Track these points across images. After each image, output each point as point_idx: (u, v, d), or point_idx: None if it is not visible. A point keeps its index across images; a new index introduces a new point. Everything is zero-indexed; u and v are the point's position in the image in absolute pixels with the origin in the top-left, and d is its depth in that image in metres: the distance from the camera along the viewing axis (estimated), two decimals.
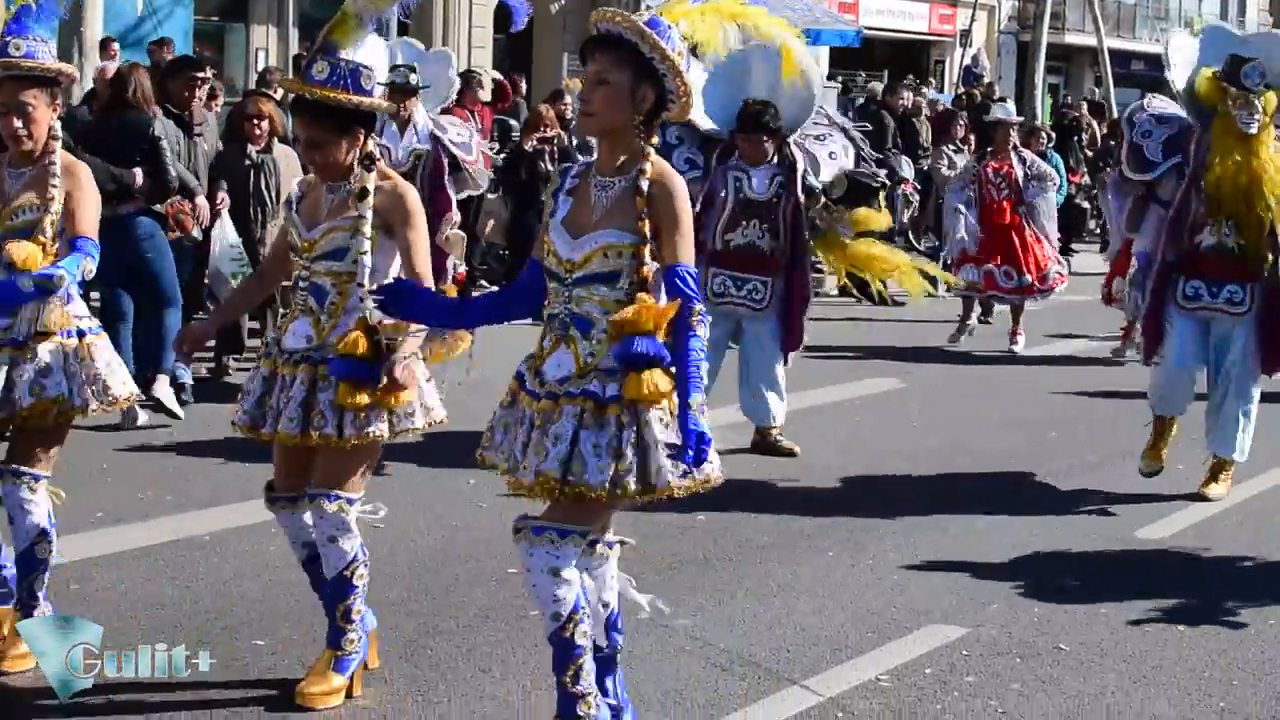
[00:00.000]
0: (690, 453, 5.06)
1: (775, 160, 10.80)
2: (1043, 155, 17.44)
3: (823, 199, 10.87)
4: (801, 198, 10.74)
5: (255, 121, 12.47)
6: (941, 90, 36.64)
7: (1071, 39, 51.54)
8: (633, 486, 5.15)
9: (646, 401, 5.13)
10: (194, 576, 7.77)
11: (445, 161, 12.00)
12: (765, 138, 10.70)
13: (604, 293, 5.26)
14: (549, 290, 5.41)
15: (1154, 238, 10.06)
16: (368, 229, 6.07)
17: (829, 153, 10.96)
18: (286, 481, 6.30)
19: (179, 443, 10.53)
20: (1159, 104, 10.14)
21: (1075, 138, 26.13)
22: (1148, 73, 12.34)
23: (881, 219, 11.12)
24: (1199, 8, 59.41)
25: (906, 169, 20.81)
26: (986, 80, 32.88)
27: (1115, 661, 7.04)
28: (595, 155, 5.42)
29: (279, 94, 14.15)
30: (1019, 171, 15.94)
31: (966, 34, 40.48)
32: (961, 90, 30.35)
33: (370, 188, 6.09)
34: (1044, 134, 19.92)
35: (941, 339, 16.43)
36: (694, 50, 5.42)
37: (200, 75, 12.80)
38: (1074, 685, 6.75)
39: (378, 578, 6.70)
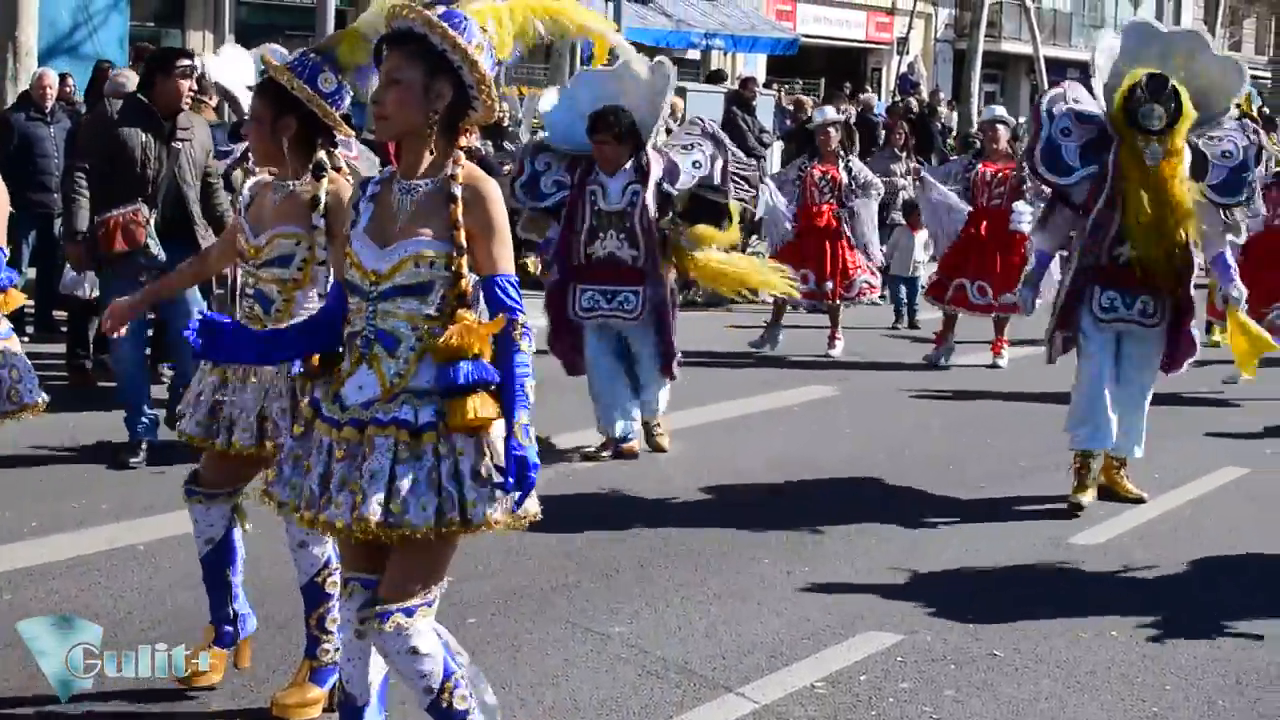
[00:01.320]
0: (511, 480, 4.71)
1: (630, 167, 10.68)
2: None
3: (669, 212, 10.78)
4: (652, 206, 10.65)
5: None
6: (879, 98, 36.75)
7: (1008, 47, 51.88)
8: (456, 521, 4.77)
9: (470, 429, 4.81)
10: (128, 586, 7.72)
11: None
12: (613, 140, 10.57)
13: (413, 306, 4.87)
14: (350, 306, 5.01)
15: (1055, 239, 10.14)
16: (322, 239, 6.01)
17: (693, 161, 10.86)
18: (215, 478, 6.26)
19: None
20: (1081, 97, 9.94)
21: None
22: (1084, 80, 12.47)
23: (725, 236, 10.83)
24: (1135, 15, 59.74)
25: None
26: (923, 88, 33.00)
27: (1050, 668, 7.07)
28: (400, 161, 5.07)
29: (214, 100, 14.07)
30: (844, 178, 15.86)
31: (903, 42, 40.75)
32: (898, 98, 30.48)
33: (321, 196, 6.01)
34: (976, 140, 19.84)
35: (874, 346, 16.49)
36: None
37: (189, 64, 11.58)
38: (1008, 691, 6.78)
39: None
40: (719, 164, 10.93)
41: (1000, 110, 16.80)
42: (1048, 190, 10.28)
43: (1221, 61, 9.92)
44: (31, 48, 19.81)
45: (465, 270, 4.87)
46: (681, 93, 22.14)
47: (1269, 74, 47.96)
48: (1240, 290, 9.78)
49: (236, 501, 6.31)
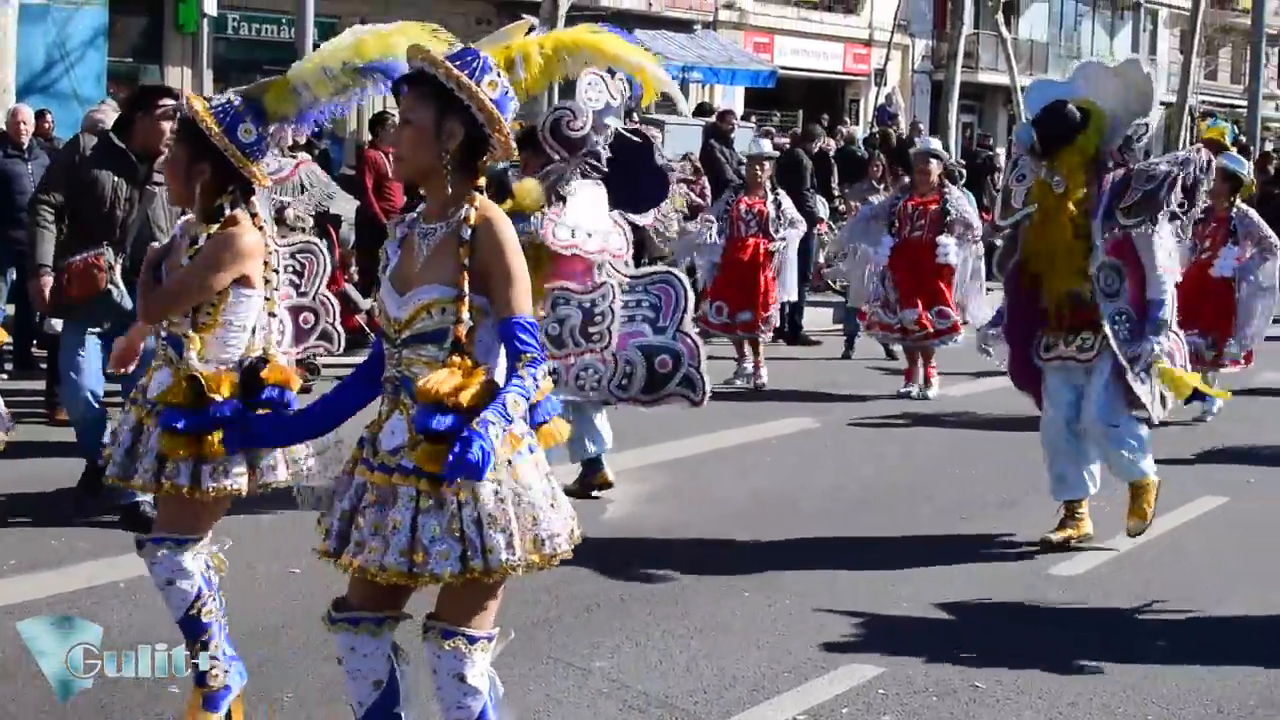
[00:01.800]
0: (453, 456, 4.59)
1: None
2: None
3: None
4: None
5: None
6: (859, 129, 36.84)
7: (985, 77, 52.07)
8: (478, 567, 4.83)
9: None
10: (109, 624, 7.66)
11: None
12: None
13: (432, 353, 4.90)
14: (385, 352, 5.08)
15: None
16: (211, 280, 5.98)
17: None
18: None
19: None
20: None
21: (989, 176, 26.25)
22: None
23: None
24: (1110, 46, 60.08)
25: (822, 209, 20.89)
26: (901, 119, 33.08)
27: (1032, 699, 7.07)
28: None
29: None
30: (771, 211, 15.87)
31: (881, 73, 40.84)
32: (876, 129, 30.56)
33: (200, 239, 5.99)
34: (958, 172, 19.78)
35: (855, 378, 16.52)
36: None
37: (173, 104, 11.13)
38: None
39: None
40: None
41: (935, 144, 16.70)
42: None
43: (1146, 76, 9.55)
44: (9, 84, 19.86)
45: (464, 315, 4.85)
46: (660, 125, 22.21)
47: (1245, 103, 48.09)
48: (1159, 346, 9.39)
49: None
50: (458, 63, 4.89)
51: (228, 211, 6.07)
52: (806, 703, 6.93)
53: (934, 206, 15.30)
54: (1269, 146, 38.59)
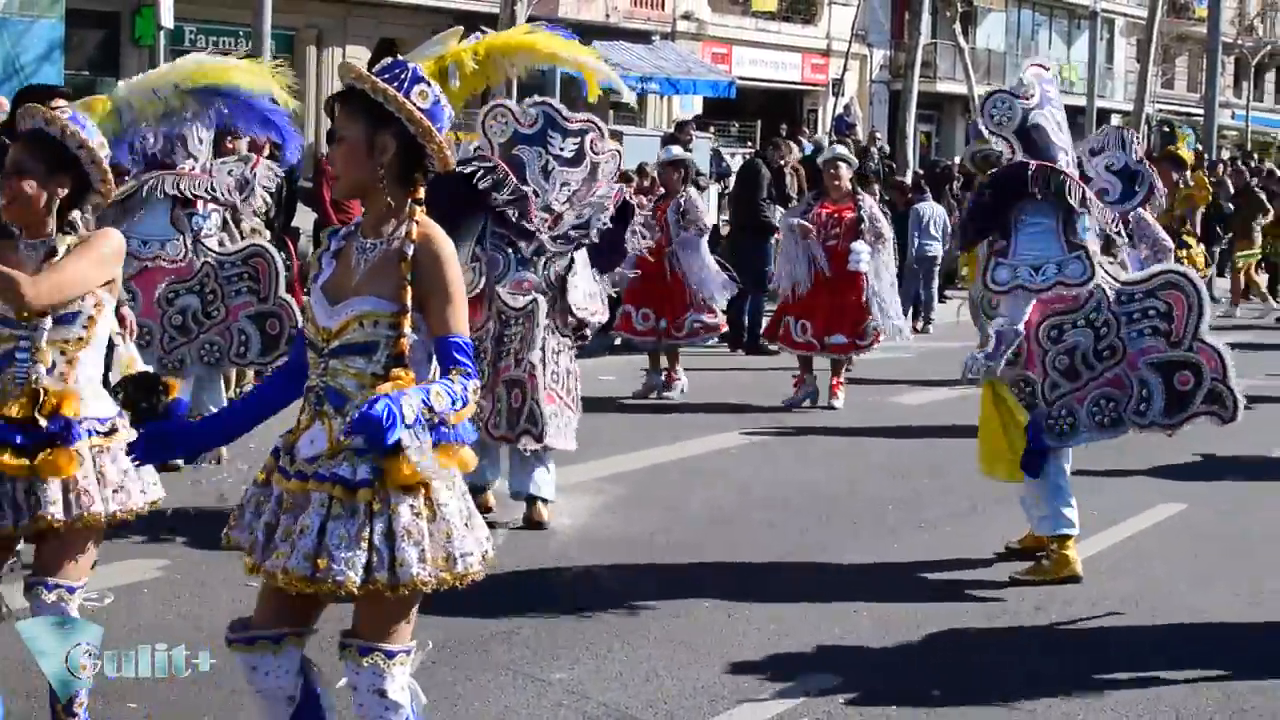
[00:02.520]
0: (352, 427, 4.59)
1: None
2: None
3: None
4: None
5: None
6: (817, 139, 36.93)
7: (943, 87, 52.27)
8: (383, 580, 4.76)
9: (410, 485, 4.78)
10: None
11: None
12: None
13: (360, 365, 4.86)
14: (309, 361, 5.01)
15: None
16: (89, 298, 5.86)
17: None
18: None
19: None
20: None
21: (947, 186, 26.27)
22: None
23: None
24: (1068, 55, 60.38)
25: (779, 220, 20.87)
26: (859, 129, 33.17)
27: (991, 708, 7.09)
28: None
29: None
30: (671, 216, 15.54)
31: (839, 83, 40.89)
32: (834, 139, 30.61)
33: (61, 249, 5.80)
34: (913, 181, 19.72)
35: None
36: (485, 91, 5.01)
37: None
38: None
39: None
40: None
41: (841, 150, 16.40)
42: None
43: None
44: None
45: (407, 330, 4.82)
46: (618, 136, 22.22)
47: (1201, 111, 48.37)
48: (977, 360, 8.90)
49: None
50: (385, 75, 4.87)
51: (79, 228, 5.93)
52: (767, 713, 6.94)
53: (849, 214, 15.11)
54: (1225, 154, 38.75)
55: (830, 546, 9.95)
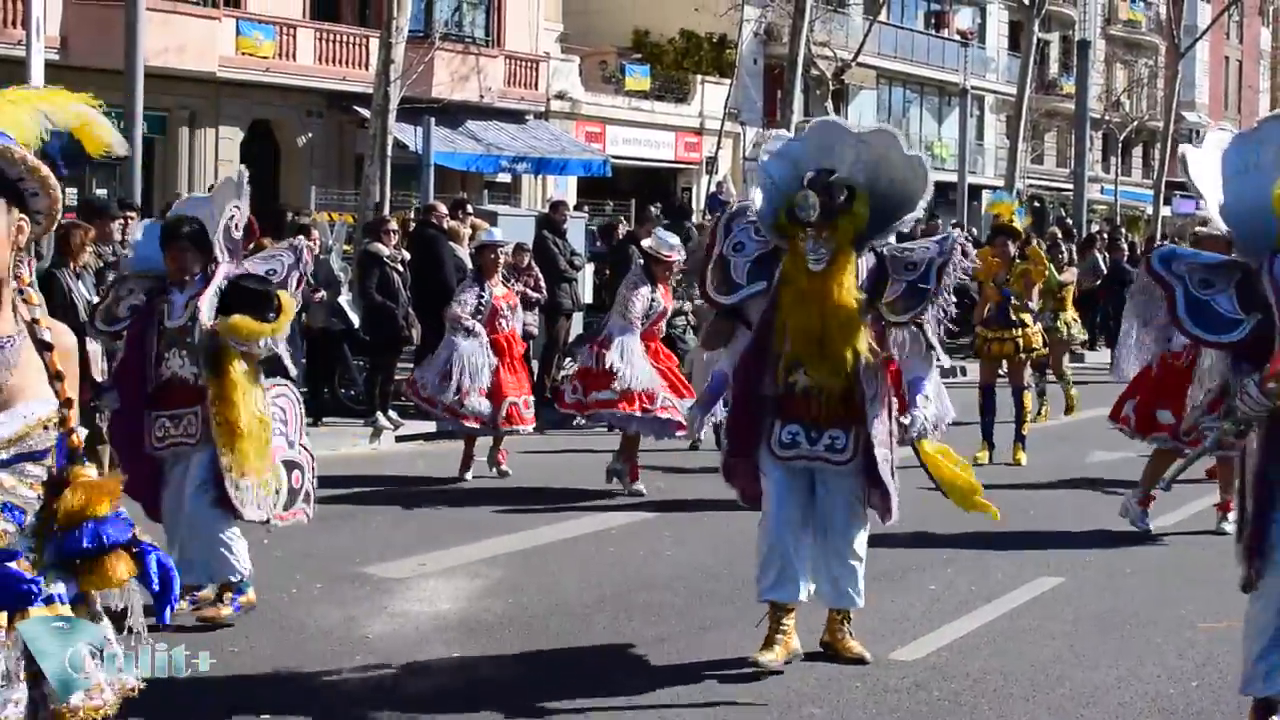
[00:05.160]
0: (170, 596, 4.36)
1: (199, 278, 9.95)
2: None
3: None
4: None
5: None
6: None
7: None
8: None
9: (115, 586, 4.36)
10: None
11: None
12: (185, 249, 9.94)
13: (36, 473, 4.22)
14: None
15: (735, 358, 9.08)
16: None
17: (268, 270, 10.14)
18: None
19: None
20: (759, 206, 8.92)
21: None
22: None
23: (258, 328, 9.66)
24: (939, 132, 61.11)
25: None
26: (732, 206, 33.24)
27: None
28: None
29: None
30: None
31: (712, 161, 41.16)
32: (708, 217, 30.71)
33: None
34: None
35: (698, 458, 16.41)
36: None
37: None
38: None
39: None
40: (294, 276, 10.20)
41: (490, 234, 16.53)
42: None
43: (909, 160, 8.82)
44: None
45: (75, 424, 4.28)
46: (492, 217, 22.20)
47: (1070, 186, 49.07)
48: (918, 420, 8.95)
49: None
50: None
51: None
52: None
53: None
54: (1094, 228, 39.25)
55: (718, 623, 9.88)
